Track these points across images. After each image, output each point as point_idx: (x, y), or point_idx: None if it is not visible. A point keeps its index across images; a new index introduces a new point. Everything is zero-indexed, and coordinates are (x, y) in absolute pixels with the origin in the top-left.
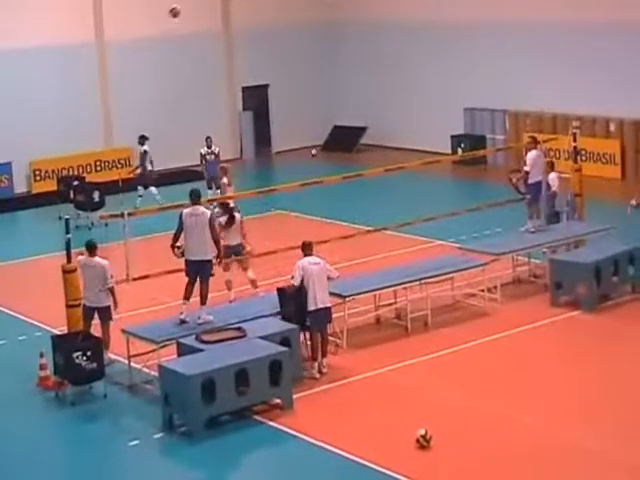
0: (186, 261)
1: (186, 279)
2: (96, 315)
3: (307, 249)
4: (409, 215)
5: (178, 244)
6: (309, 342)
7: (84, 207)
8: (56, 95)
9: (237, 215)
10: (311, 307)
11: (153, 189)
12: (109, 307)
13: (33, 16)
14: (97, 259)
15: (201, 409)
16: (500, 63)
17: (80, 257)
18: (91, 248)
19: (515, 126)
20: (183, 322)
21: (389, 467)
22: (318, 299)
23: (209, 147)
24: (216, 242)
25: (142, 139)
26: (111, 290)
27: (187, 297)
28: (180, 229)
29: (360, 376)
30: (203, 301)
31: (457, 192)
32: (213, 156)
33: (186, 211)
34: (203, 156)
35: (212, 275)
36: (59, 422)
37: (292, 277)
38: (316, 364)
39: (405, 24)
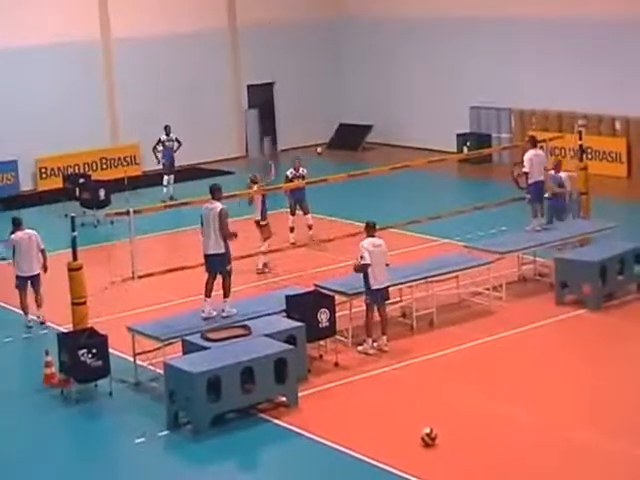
0: (204, 256)
1: (206, 275)
2: (29, 285)
3: (371, 230)
4: (414, 213)
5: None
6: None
7: (90, 205)
8: (62, 92)
9: None
10: (374, 286)
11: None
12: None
13: (39, 14)
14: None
15: (206, 407)
16: (506, 61)
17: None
18: (19, 223)
19: (521, 124)
20: (207, 319)
21: (394, 465)
22: (379, 279)
23: (168, 134)
24: (223, 239)
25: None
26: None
27: (208, 294)
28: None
29: (365, 374)
30: (226, 294)
31: (462, 191)
32: (173, 143)
33: (204, 206)
34: (162, 142)
35: (230, 270)
36: (64, 419)
37: (361, 258)
38: (370, 340)
39: (411, 22)
